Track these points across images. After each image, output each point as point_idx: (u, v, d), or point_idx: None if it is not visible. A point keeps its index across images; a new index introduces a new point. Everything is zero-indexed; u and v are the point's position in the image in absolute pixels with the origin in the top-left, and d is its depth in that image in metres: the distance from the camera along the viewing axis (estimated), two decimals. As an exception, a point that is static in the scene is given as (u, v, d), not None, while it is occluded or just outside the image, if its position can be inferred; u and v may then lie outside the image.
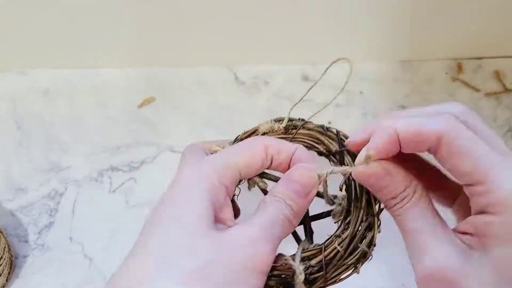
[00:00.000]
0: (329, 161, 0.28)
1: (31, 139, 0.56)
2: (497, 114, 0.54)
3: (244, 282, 0.19)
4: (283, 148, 0.25)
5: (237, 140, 0.29)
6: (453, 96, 0.55)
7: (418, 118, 0.20)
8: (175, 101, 0.58)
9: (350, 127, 0.54)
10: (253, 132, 0.31)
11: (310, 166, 0.24)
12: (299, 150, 0.25)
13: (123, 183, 0.53)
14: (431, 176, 0.24)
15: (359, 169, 0.22)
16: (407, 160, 0.22)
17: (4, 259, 0.45)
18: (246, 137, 0.30)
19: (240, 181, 0.25)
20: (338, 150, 0.26)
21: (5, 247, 0.46)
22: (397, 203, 0.21)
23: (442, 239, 0.20)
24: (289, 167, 0.25)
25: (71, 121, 0.57)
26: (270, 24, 0.52)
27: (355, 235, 0.23)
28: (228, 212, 0.23)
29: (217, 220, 0.22)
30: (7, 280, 0.46)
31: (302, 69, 0.59)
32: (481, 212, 0.19)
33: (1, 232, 0.47)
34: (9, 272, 0.46)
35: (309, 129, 0.31)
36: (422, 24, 0.51)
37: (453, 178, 0.22)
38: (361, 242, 0.23)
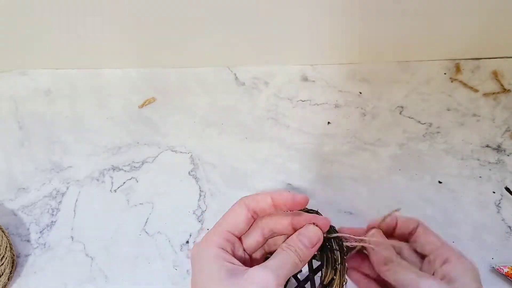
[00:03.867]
0: None
1: (33, 139, 0.57)
2: (495, 114, 0.54)
3: None
4: (259, 198, 0.32)
5: None
6: (452, 96, 0.55)
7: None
8: (176, 101, 0.58)
9: (349, 127, 0.55)
10: None
11: (317, 228, 0.32)
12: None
13: (124, 182, 0.53)
14: None
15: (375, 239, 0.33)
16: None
17: (6, 258, 0.45)
18: None
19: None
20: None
21: (7, 246, 0.46)
22: (393, 263, 0.32)
23: (426, 279, 0.30)
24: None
25: (73, 121, 0.58)
26: (270, 25, 0.52)
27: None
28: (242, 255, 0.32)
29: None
30: (9, 279, 0.46)
31: (302, 70, 0.59)
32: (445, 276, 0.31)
33: (3, 231, 0.47)
34: (11, 271, 0.47)
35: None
36: (420, 25, 0.52)
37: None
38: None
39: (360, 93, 0.57)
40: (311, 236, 0.31)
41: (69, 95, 0.60)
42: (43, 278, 0.48)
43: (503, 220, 0.48)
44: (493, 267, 0.45)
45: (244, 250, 0.32)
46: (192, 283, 0.29)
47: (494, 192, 0.49)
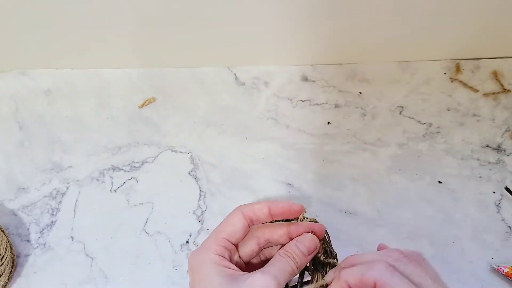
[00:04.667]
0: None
1: (33, 139, 0.57)
2: (495, 114, 0.54)
3: None
4: (257, 208, 0.32)
5: None
6: (452, 96, 0.55)
7: (361, 267, 0.27)
8: (176, 101, 0.58)
9: (350, 127, 0.55)
10: None
11: (315, 237, 0.32)
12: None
13: (124, 182, 0.53)
14: None
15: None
16: None
17: (6, 258, 0.45)
18: None
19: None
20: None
21: (7, 246, 0.46)
22: None
23: None
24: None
25: (73, 121, 0.58)
26: (270, 25, 0.52)
27: None
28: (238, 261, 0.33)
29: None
30: (9, 279, 0.46)
31: (302, 70, 0.59)
32: None
33: (3, 231, 0.47)
34: (11, 271, 0.47)
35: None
36: (420, 25, 0.52)
37: None
38: None
39: (360, 93, 0.57)
40: (309, 244, 0.32)
41: (69, 95, 0.60)
42: (43, 278, 0.48)
43: (503, 220, 0.48)
44: (493, 267, 0.45)
45: (239, 257, 0.33)
46: None
47: (494, 192, 0.49)
